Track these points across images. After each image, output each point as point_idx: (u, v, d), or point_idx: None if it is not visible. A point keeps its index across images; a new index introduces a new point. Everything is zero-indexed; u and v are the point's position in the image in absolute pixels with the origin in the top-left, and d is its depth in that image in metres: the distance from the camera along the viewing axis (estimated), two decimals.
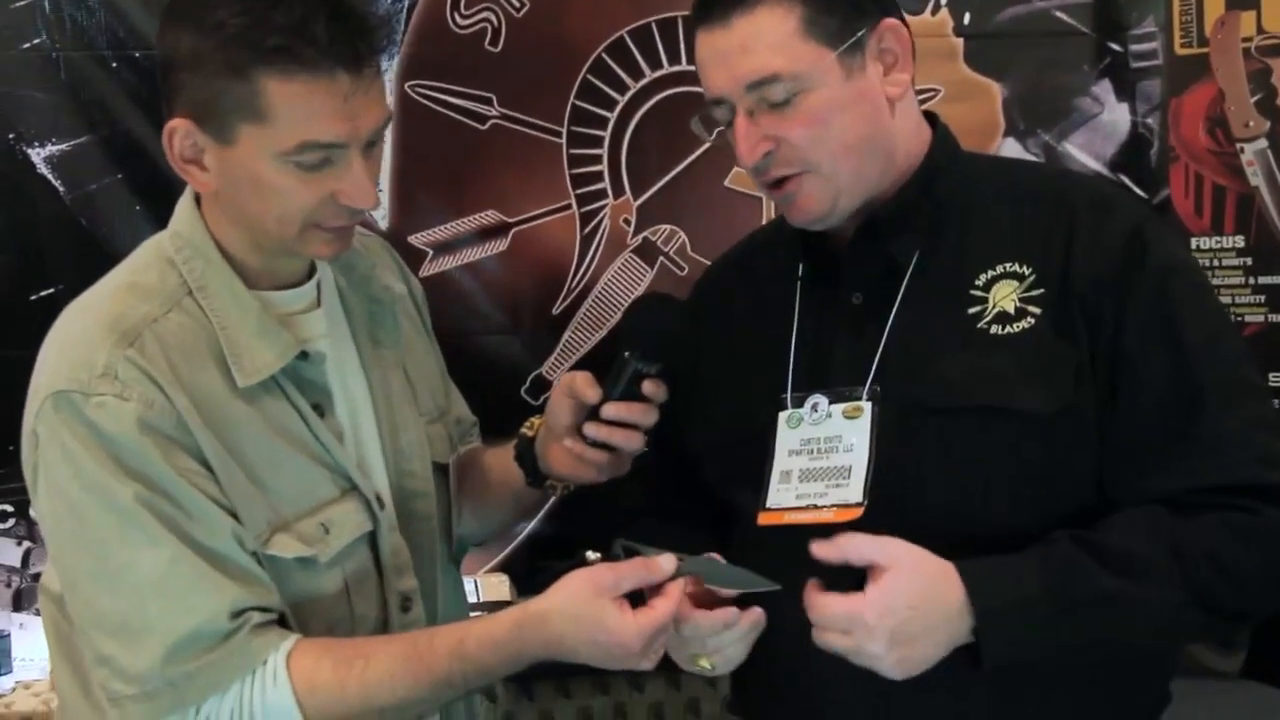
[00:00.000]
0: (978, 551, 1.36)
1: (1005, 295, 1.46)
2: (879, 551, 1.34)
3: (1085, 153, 2.86)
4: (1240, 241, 2.64)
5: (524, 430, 1.65)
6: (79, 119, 2.53)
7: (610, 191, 2.70)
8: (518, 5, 2.62)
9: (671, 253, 2.72)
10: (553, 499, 1.68)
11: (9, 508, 2.41)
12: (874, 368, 1.47)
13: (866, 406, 1.47)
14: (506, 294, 2.71)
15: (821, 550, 1.33)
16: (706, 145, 2.64)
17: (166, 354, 1.39)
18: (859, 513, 1.42)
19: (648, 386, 1.50)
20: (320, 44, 1.33)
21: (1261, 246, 2.60)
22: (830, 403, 1.49)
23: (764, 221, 2.70)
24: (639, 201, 2.71)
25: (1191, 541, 1.35)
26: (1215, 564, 1.35)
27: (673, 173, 2.70)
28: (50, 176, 2.54)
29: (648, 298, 1.60)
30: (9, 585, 2.41)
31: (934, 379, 1.45)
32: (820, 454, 1.48)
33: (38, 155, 2.53)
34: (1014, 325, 1.44)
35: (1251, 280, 2.62)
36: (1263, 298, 2.60)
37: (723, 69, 1.46)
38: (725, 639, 1.39)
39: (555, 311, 2.72)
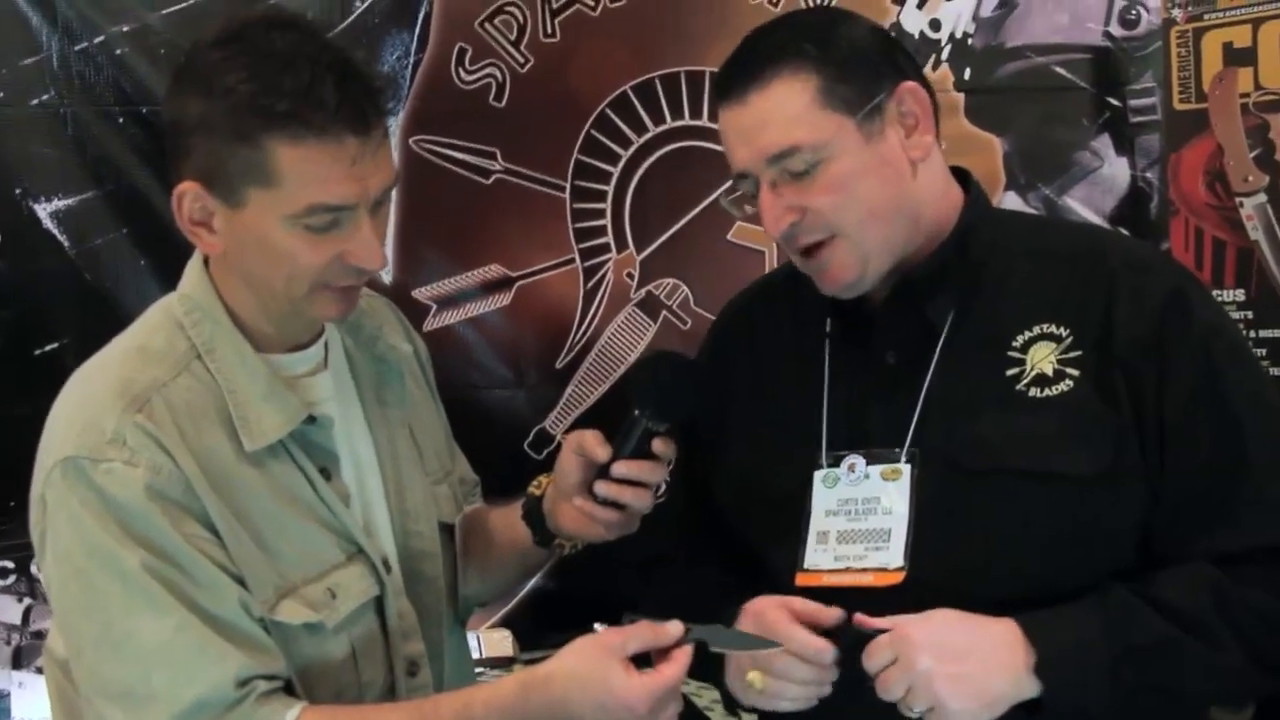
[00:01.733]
0: (1017, 611, 1.35)
1: (1043, 357, 1.45)
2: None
3: (1086, 206, 2.88)
4: (1241, 295, 2.64)
5: (531, 489, 1.64)
6: (85, 174, 2.55)
7: (614, 245, 2.71)
8: (522, 61, 2.64)
9: (675, 306, 2.72)
10: (559, 556, 1.67)
11: (10, 564, 2.40)
12: (912, 430, 1.47)
13: (905, 469, 1.46)
14: (510, 348, 2.71)
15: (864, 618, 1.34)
16: (710, 199, 2.70)
17: (175, 419, 1.38)
18: (900, 577, 1.42)
19: (657, 445, 1.50)
20: (328, 108, 1.33)
21: (1262, 300, 2.61)
22: (868, 463, 1.48)
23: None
24: (642, 255, 2.72)
25: (1239, 599, 1.35)
26: (1264, 621, 1.35)
27: (676, 226, 2.72)
28: (56, 231, 2.54)
29: (656, 356, 1.60)
30: (9, 643, 2.39)
31: (974, 441, 1.44)
32: (858, 515, 1.47)
33: (44, 210, 2.54)
34: (1053, 388, 1.43)
35: (1252, 334, 2.62)
36: (1264, 351, 2.60)
37: (743, 145, 1.46)
38: (797, 671, 1.38)
39: (559, 365, 2.72)
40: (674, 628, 1.33)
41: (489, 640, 2.66)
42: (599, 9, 2.65)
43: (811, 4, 2.72)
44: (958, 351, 1.47)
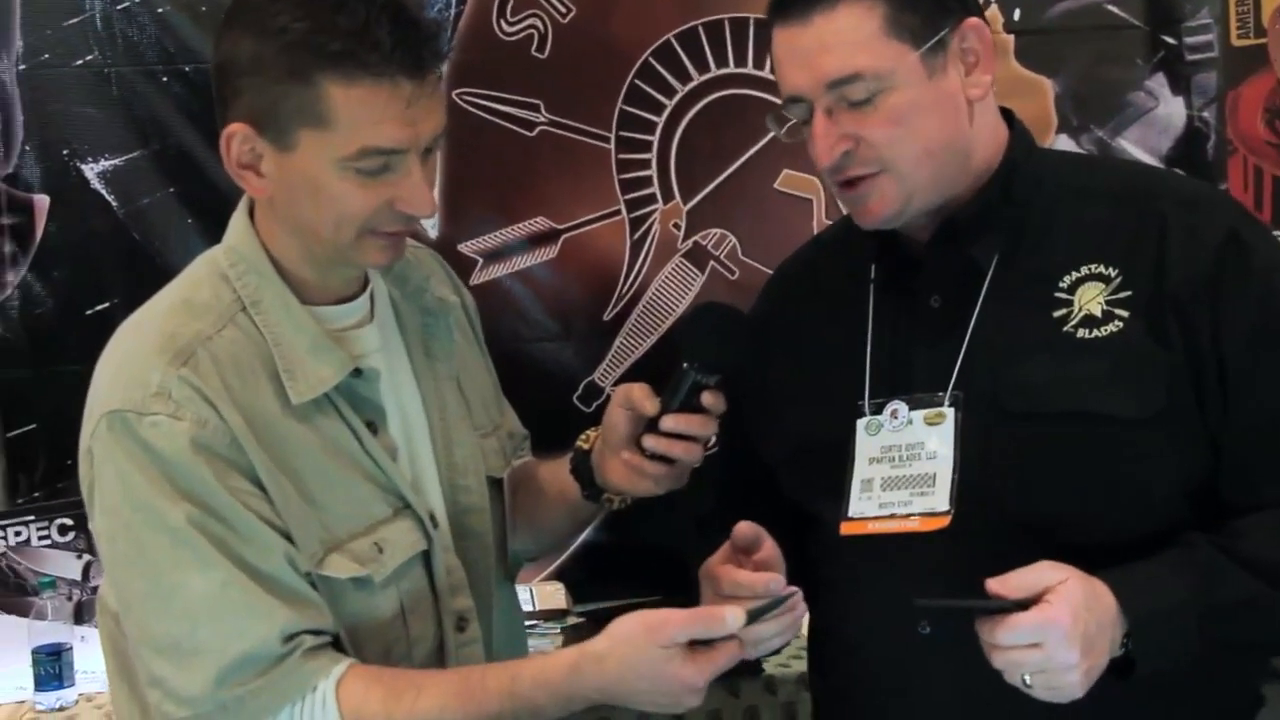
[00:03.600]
0: (1067, 559, 1.33)
1: (1091, 298, 1.43)
2: (1044, 574, 1.30)
3: (1140, 148, 2.82)
4: None
5: (580, 443, 1.64)
6: (131, 134, 2.54)
7: (660, 196, 2.69)
8: (564, 11, 2.61)
9: (722, 256, 2.70)
10: (608, 511, 1.66)
11: (69, 521, 2.43)
12: (956, 372, 1.45)
13: (949, 413, 1.45)
14: (557, 301, 2.70)
15: (998, 587, 1.29)
16: (756, 148, 2.67)
17: (220, 372, 1.38)
18: (946, 521, 1.41)
19: (706, 398, 1.49)
20: (383, 49, 1.33)
21: None
22: (910, 409, 1.47)
23: (814, 223, 2.68)
24: (689, 206, 2.69)
25: None
26: None
27: (722, 176, 2.68)
28: (104, 191, 2.55)
29: (705, 307, 1.58)
30: (70, 598, 2.43)
31: (1019, 384, 1.43)
32: (902, 462, 1.46)
33: (91, 171, 2.54)
34: (1101, 329, 1.41)
35: None
36: None
37: (802, 67, 1.43)
38: (765, 629, 1.36)
39: (606, 318, 2.70)
40: (733, 620, 1.30)
41: (542, 593, 2.67)
42: None
43: None
44: (1003, 293, 1.45)
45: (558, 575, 2.73)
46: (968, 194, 1.48)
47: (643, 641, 1.30)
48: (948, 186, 1.46)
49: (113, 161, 2.54)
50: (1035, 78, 2.76)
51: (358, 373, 1.46)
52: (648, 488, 1.54)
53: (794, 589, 1.37)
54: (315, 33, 1.33)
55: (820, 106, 1.43)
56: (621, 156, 2.67)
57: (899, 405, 1.47)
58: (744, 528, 1.45)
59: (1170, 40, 2.80)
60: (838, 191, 1.49)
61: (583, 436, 1.64)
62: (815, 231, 2.63)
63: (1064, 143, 2.78)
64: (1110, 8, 2.77)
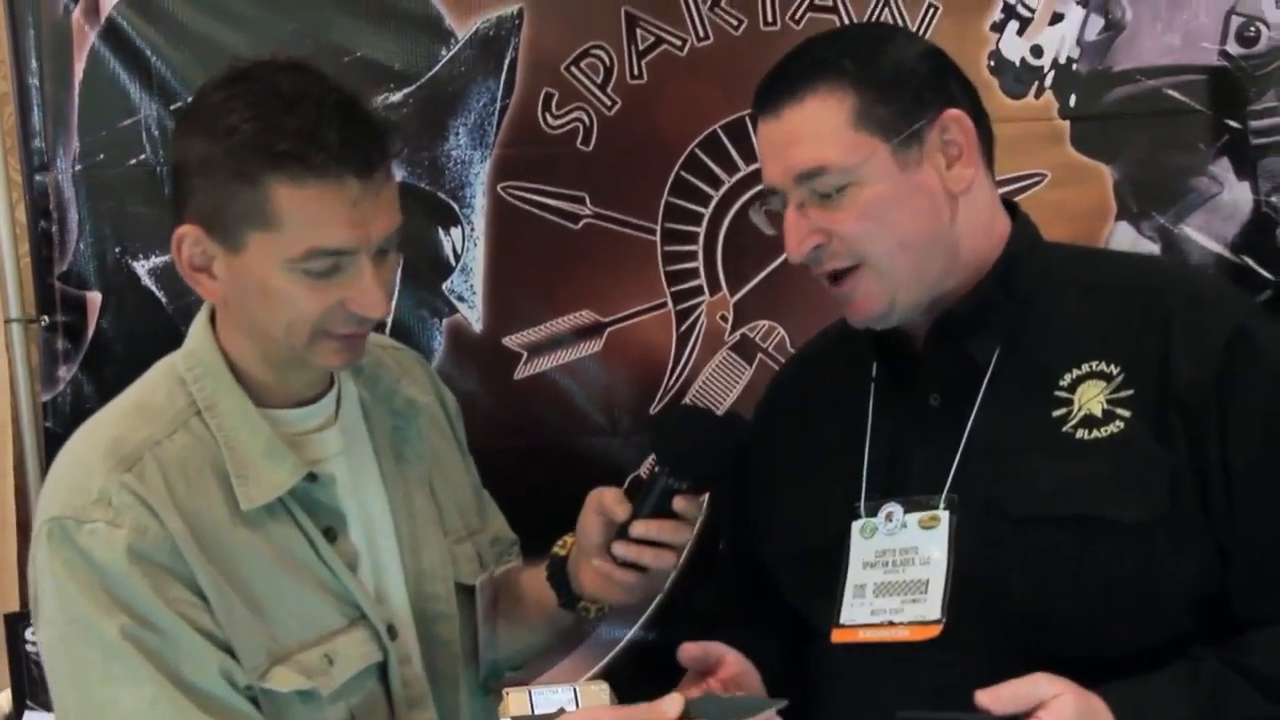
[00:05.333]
0: (1064, 671, 1.26)
1: (1092, 396, 1.37)
2: (1038, 687, 1.23)
3: (1205, 234, 2.73)
4: None
5: (556, 549, 1.59)
6: None
7: (706, 288, 2.66)
8: (609, 104, 2.62)
9: (770, 349, 2.65)
10: (586, 620, 1.61)
11: None
12: (952, 474, 1.40)
13: (944, 516, 1.39)
14: (603, 394, 2.67)
15: (988, 701, 1.23)
16: None
17: (166, 477, 1.37)
18: (937, 631, 1.35)
19: (679, 503, 1.44)
20: (330, 149, 1.32)
21: None
22: (905, 511, 1.42)
23: None
24: (736, 298, 2.66)
25: None
26: None
27: (770, 267, 2.64)
28: (154, 288, 2.59)
29: (678, 410, 1.56)
30: None
31: (1017, 486, 1.37)
32: (896, 567, 1.41)
33: (142, 268, 2.58)
34: (1102, 429, 1.35)
35: None
36: None
37: (774, 159, 1.42)
38: None
39: (653, 411, 2.66)
40: (671, 708, 1.25)
41: (586, 693, 2.61)
42: (686, 49, 2.61)
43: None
44: (1002, 391, 1.40)
45: (604, 675, 2.67)
46: (965, 289, 1.43)
47: None
48: (935, 282, 1.42)
49: (163, 258, 2.57)
50: (1092, 164, 2.70)
51: (313, 477, 1.43)
52: (620, 596, 1.50)
53: (776, 701, 1.31)
54: (263, 133, 1.32)
55: (792, 200, 1.41)
56: (667, 248, 2.65)
57: (894, 508, 1.42)
58: (688, 649, 1.41)
59: (1234, 124, 2.72)
60: (826, 288, 1.46)
61: (560, 543, 1.60)
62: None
63: (1124, 230, 2.71)
64: (1171, 92, 2.71)
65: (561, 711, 2.52)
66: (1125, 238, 2.69)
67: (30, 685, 2.36)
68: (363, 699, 1.44)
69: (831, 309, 2.58)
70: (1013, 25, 2.65)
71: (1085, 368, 1.38)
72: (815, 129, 1.38)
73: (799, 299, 2.64)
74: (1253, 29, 2.73)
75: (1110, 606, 1.32)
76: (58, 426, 2.58)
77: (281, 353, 1.42)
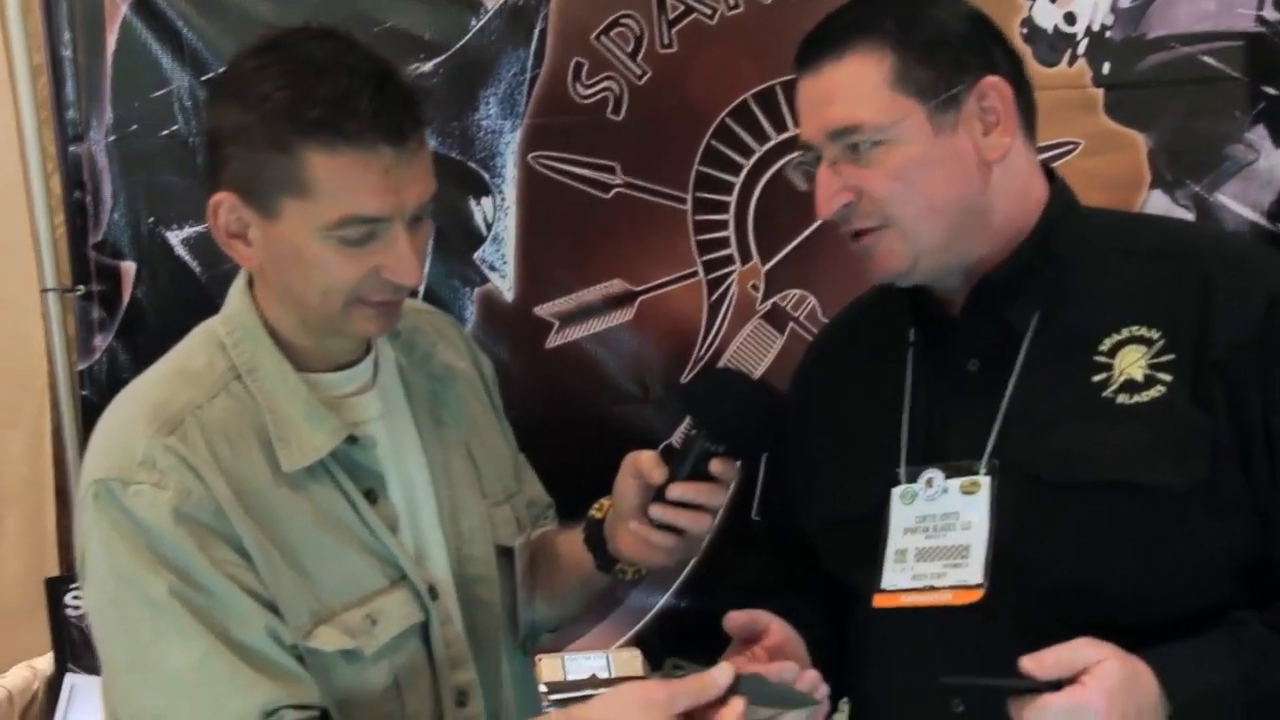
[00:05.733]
0: (1107, 635, 1.26)
1: (1132, 361, 1.37)
2: (1081, 652, 1.24)
3: (1240, 203, 2.70)
4: None
5: (593, 512, 1.60)
6: None
7: (737, 257, 2.65)
8: (639, 74, 2.61)
9: (802, 318, 2.65)
10: (622, 581, 1.62)
11: None
12: (992, 440, 1.40)
13: (984, 481, 1.39)
14: (634, 363, 2.67)
15: (1032, 666, 1.23)
16: None
17: (209, 440, 1.38)
18: (979, 595, 1.35)
19: (716, 465, 1.44)
20: (363, 117, 1.32)
21: None
22: (946, 477, 1.42)
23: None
24: (767, 266, 2.66)
25: None
26: None
27: (801, 236, 2.64)
28: (187, 258, 2.61)
29: (714, 372, 1.56)
30: None
31: (1057, 451, 1.37)
32: (936, 532, 1.41)
33: (175, 237, 2.60)
34: (1142, 394, 1.35)
35: None
36: None
37: (810, 116, 1.42)
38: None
39: (684, 380, 2.66)
40: (721, 676, 1.26)
41: (618, 659, 2.63)
42: (716, 17, 2.60)
43: None
44: (1042, 357, 1.39)
45: (636, 641, 2.69)
46: (1002, 255, 1.43)
47: (637, 703, 1.25)
48: (964, 247, 1.41)
49: (196, 229, 2.59)
50: (1127, 132, 2.67)
51: (353, 440, 1.44)
52: (657, 559, 1.50)
53: (818, 697, 1.31)
54: (295, 101, 1.33)
55: (825, 156, 1.41)
56: (698, 218, 2.65)
57: (934, 474, 1.42)
58: (734, 617, 1.41)
59: (1272, 91, 2.69)
60: (849, 244, 1.46)
61: (596, 505, 1.61)
62: None
63: (1158, 198, 2.69)
64: (1206, 59, 2.68)
65: (593, 678, 2.54)
66: (1159, 206, 2.66)
67: (71, 648, 2.39)
68: (405, 659, 1.45)
69: (863, 278, 2.60)
70: None
71: (1125, 333, 1.37)
72: (853, 87, 1.38)
73: (830, 268, 2.64)
74: None
75: (1152, 572, 1.32)
76: (94, 395, 2.61)
77: (318, 319, 1.43)
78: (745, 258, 2.66)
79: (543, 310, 2.65)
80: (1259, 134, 2.70)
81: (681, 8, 2.60)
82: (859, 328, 1.64)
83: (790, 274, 2.66)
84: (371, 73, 1.35)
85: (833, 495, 1.52)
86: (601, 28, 2.60)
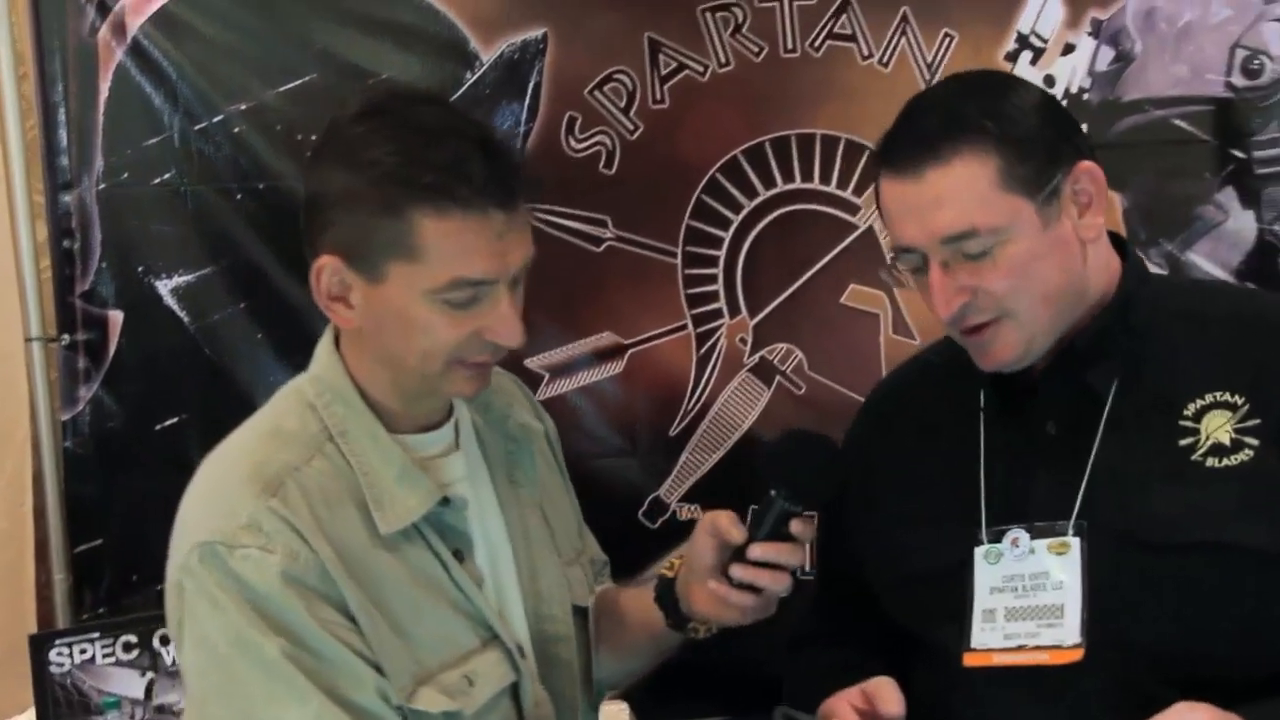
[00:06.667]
0: (1200, 691, 1.29)
1: (1219, 426, 1.40)
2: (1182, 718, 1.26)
3: (1210, 261, 2.78)
4: None
5: (663, 571, 1.61)
6: (204, 251, 2.58)
7: (726, 311, 2.68)
8: (631, 128, 2.64)
9: (789, 372, 2.68)
10: (693, 639, 1.63)
11: (133, 638, 2.40)
12: (1079, 501, 1.42)
13: (1074, 542, 1.41)
14: (623, 416, 2.68)
15: None
16: (822, 263, 2.66)
17: (309, 503, 1.38)
18: (1079, 655, 1.37)
19: (795, 526, 1.47)
20: (475, 182, 1.34)
21: None
22: (1032, 538, 1.43)
23: (881, 338, 2.66)
24: (755, 320, 2.68)
25: None
26: None
27: (789, 291, 2.67)
28: (176, 307, 2.58)
29: (792, 435, 1.57)
30: (132, 717, 2.40)
31: (1149, 513, 1.39)
32: (1026, 592, 1.43)
33: (164, 287, 2.58)
34: (1231, 458, 1.38)
35: None
36: None
37: (915, 222, 1.42)
38: None
39: (672, 433, 2.68)
40: None
41: (606, 713, 2.61)
42: (708, 74, 2.64)
43: (926, 62, 2.67)
44: (1124, 420, 1.42)
45: (622, 695, 2.67)
46: (1084, 321, 1.46)
47: None
48: (1066, 324, 1.45)
49: (186, 278, 2.58)
50: None
51: (446, 501, 1.44)
52: (734, 617, 1.52)
53: None
54: (407, 166, 1.34)
55: (936, 259, 1.42)
56: (688, 272, 2.67)
57: (1020, 534, 1.44)
58: (889, 693, 1.40)
59: (1239, 154, 2.78)
60: (959, 338, 1.48)
61: (666, 564, 1.62)
62: (882, 346, 2.63)
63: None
64: (1178, 123, 2.76)
65: None
66: None
67: (54, 707, 2.34)
68: (499, 718, 1.45)
69: (846, 331, 2.65)
70: (1026, 55, 2.71)
71: (1209, 398, 1.41)
72: (963, 192, 1.39)
73: (817, 322, 2.68)
74: (1256, 61, 2.79)
75: (1248, 631, 1.35)
76: (77, 446, 2.57)
77: (413, 381, 1.43)
78: (734, 311, 2.68)
79: (533, 363, 2.65)
80: (1228, 195, 2.78)
81: (674, 64, 2.64)
82: (923, 386, 1.65)
83: (777, 328, 2.69)
84: (479, 137, 1.36)
85: (908, 551, 1.53)
86: (595, 83, 2.63)
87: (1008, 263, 1.39)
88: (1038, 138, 1.41)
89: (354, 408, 1.44)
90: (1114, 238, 1.53)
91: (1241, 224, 2.79)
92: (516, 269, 1.40)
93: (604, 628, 1.66)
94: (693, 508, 2.67)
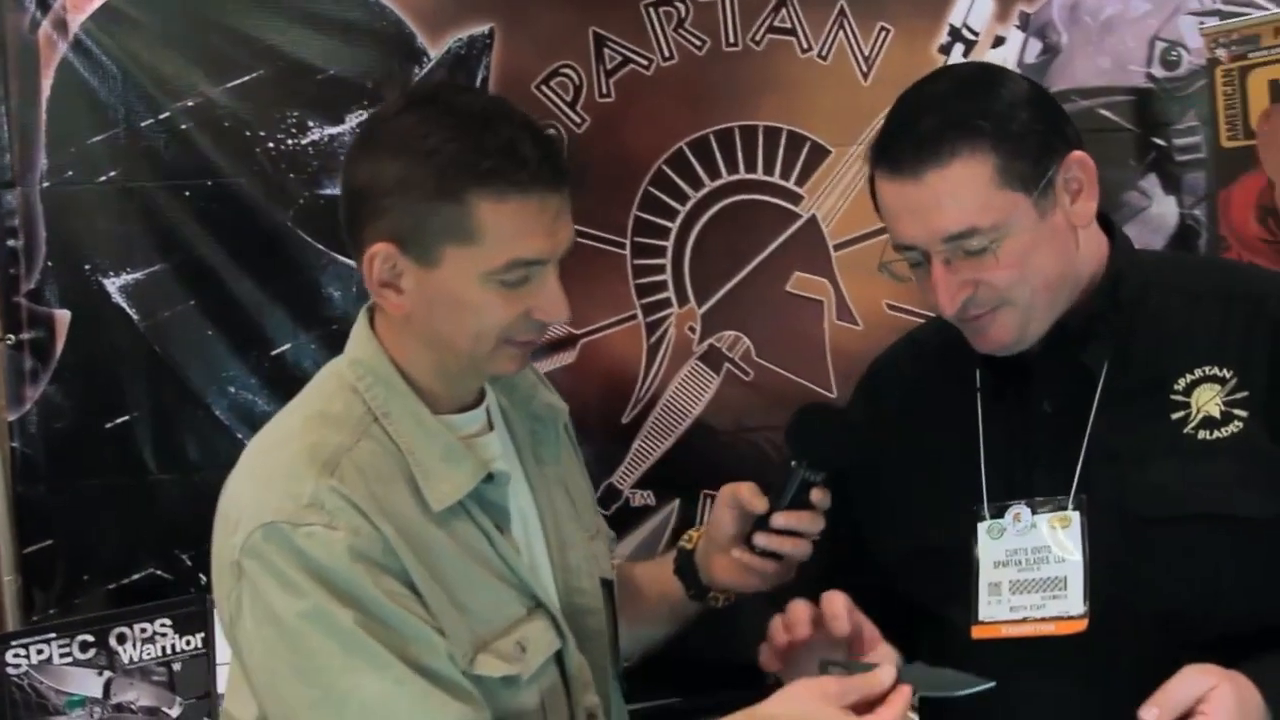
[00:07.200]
0: (1203, 653, 1.34)
1: (1208, 399, 1.46)
2: (1193, 683, 1.30)
3: (1136, 245, 2.88)
4: None
5: (682, 543, 1.67)
6: (152, 248, 2.56)
7: (675, 300, 2.73)
8: (579, 121, 2.67)
9: (737, 358, 2.73)
10: (711, 609, 1.68)
11: (89, 638, 2.38)
12: (1078, 476, 1.47)
13: (1074, 516, 1.47)
14: (575, 405, 2.64)
15: (1154, 715, 1.29)
16: (768, 252, 2.72)
17: (365, 481, 1.40)
18: (1084, 625, 1.42)
19: (815, 494, 1.53)
20: (530, 166, 1.38)
21: None
22: (1033, 512, 1.48)
23: (825, 324, 2.72)
24: (703, 309, 2.73)
25: None
26: None
27: (735, 280, 2.73)
28: (125, 305, 2.56)
29: (811, 408, 1.62)
30: (91, 716, 2.38)
31: (1146, 486, 1.45)
32: (1029, 565, 1.48)
33: (113, 285, 2.56)
34: (1222, 429, 1.44)
35: None
36: None
37: (916, 222, 1.45)
38: None
39: (624, 421, 2.72)
40: (886, 675, 1.32)
41: None
42: (653, 68, 2.69)
43: (863, 54, 2.74)
44: (1117, 397, 1.48)
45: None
46: (1076, 301, 1.52)
47: (813, 698, 1.31)
48: (1062, 308, 1.50)
49: (134, 276, 2.56)
50: None
51: (489, 477, 1.47)
52: (757, 584, 1.58)
53: (985, 682, 1.36)
54: (465, 152, 1.38)
55: (938, 257, 1.45)
56: (637, 262, 2.71)
57: (1022, 509, 1.49)
58: (835, 601, 1.44)
59: (1160, 142, 2.89)
60: (958, 323, 1.52)
61: (685, 537, 1.68)
62: (826, 332, 2.69)
63: None
64: (1103, 112, 2.87)
65: None
66: None
67: (12, 708, 2.31)
68: (549, 683, 1.49)
69: (791, 318, 2.70)
70: (958, 48, 2.79)
71: (1199, 372, 1.46)
72: (962, 192, 1.42)
73: (764, 310, 2.74)
74: (1174, 53, 2.91)
75: (1248, 596, 1.42)
76: (24, 446, 2.53)
77: (461, 362, 1.46)
78: (682, 301, 2.73)
79: None
80: (1150, 182, 2.89)
81: (619, 58, 2.68)
82: (919, 365, 1.70)
83: (725, 316, 2.74)
84: (526, 123, 1.41)
85: (913, 528, 1.57)
86: (541, 77, 2.65)
87: (1008, 256, 1.43)
88: (1031, 133, 1.45)
89: (396, 389, 1.47)
90: (1101, 217, 1.58)
91: (1164, 209, 2.90)
92: (564, 248, 1.45)
93: (621, 600, 1.70)
94: (645, 494, 2.72)
